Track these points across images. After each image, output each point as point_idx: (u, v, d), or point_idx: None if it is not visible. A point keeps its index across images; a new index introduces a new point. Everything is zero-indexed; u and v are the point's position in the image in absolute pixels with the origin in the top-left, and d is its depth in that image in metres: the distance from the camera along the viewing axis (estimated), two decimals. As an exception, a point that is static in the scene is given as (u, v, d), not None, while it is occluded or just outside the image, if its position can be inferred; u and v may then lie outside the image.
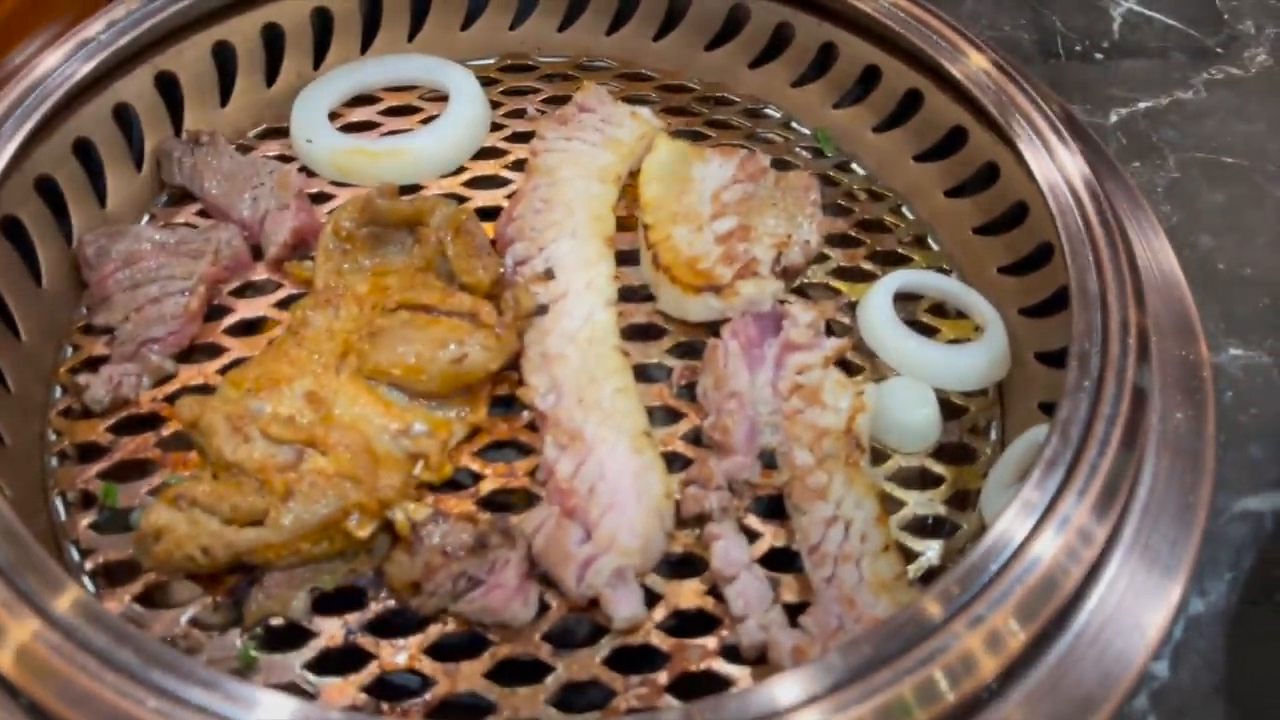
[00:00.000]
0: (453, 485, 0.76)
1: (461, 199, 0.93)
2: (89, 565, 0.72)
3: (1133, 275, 0.77)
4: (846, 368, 0.83)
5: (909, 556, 0.75)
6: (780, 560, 0.74)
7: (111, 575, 0.73)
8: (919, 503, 0.78)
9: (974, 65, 0.92)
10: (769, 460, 0.78)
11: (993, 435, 0.83)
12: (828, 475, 0.75)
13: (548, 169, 0.92)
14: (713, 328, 0.84)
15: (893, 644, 0.59)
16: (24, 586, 0.60)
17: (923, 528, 0.78)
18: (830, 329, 0.86)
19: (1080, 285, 0.76)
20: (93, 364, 0.82)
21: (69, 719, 0.55)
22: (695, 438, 0.80)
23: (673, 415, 0.81)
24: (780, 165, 0.97)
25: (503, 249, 0.86)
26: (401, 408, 0.75)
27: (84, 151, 0.90)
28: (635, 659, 0.68)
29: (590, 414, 0.76)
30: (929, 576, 0.74)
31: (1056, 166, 0.84)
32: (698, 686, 0.67)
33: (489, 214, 0.91)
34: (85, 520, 0.74)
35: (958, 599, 0.61)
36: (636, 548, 0.70)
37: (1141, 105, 1.08)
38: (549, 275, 0.83)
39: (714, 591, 0.71)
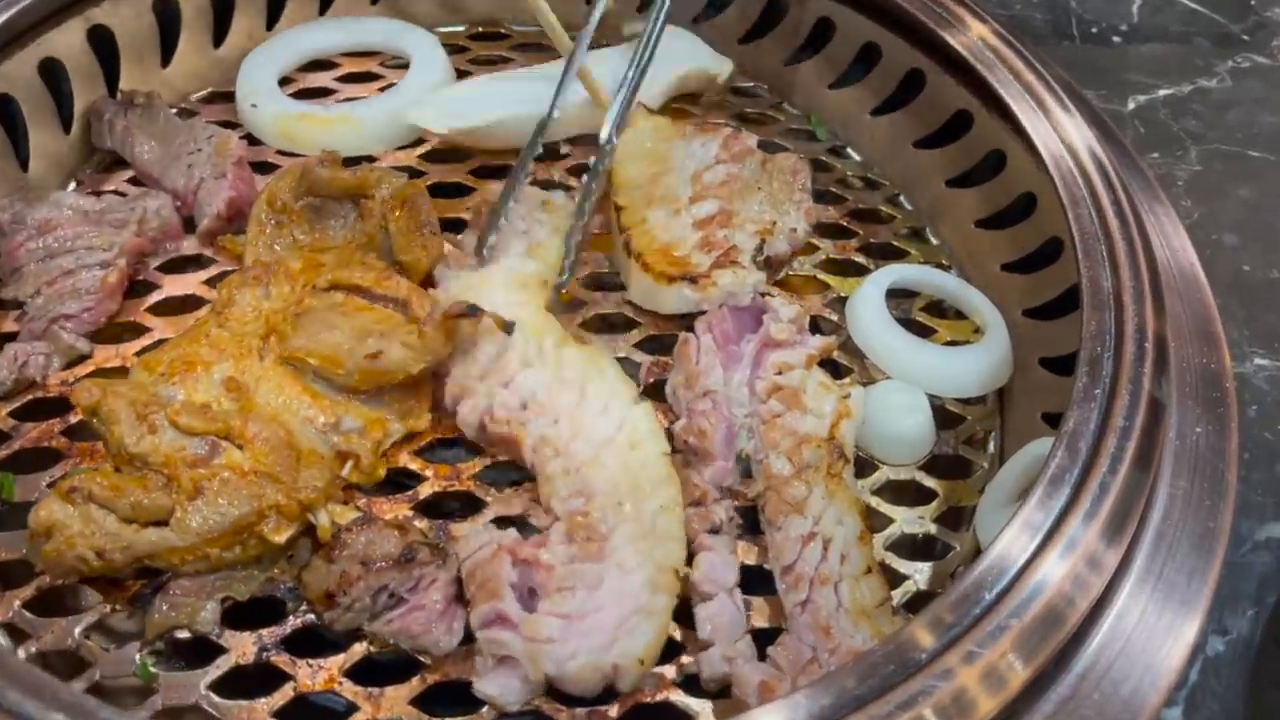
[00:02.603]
0: (389, 485, 0.69)
1: (417, 173, 0.87)
2: (-22, 565, 0.66)
3: (1151, 274, 0.72)
4: (833, 369, 0.78)
5: (895, 580, 0.69)
6: (752, 580, 0.67)
7: (5, 577, 0.66)
8: (907, 520, 0.72)
9: (979, 41, 0.86)
10: (744, 468, 0.72)
11: (990, 447, 0.78)
12: (806, 487, 0.68)
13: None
14: (687, 321, 0.78)
15: (873, 681, 0.53)
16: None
17: (911, 548, 0.72)
18: (816, 326, 0.80)
19: (1093, 283, 0.70)
20: (-2, 341, 0.75)
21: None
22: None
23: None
24: (769, 148, 0.91)
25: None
26: (332, 400, 0.68)
27: (5, 110, 0.83)
28: (584, 688, 0.62)
29: (623, 523, 0.65)
30: (916, 603, 0.69)
31: (1069, 153, 0.78)
32: (652, 720, 0.62)
33: (445, 190, 0.85)
34: (-22, 514, 0.67)
35: (949, 629, 0.55)
36: (555, 676, 0.60)
37: (1161, 93, 1.03)
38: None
39: (676, 615, 0.65)
